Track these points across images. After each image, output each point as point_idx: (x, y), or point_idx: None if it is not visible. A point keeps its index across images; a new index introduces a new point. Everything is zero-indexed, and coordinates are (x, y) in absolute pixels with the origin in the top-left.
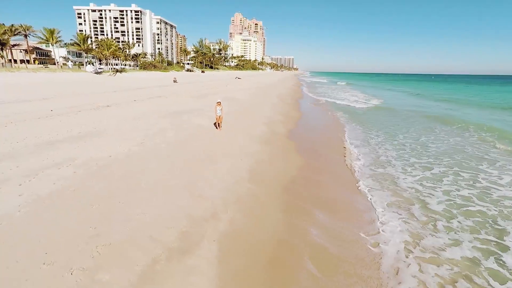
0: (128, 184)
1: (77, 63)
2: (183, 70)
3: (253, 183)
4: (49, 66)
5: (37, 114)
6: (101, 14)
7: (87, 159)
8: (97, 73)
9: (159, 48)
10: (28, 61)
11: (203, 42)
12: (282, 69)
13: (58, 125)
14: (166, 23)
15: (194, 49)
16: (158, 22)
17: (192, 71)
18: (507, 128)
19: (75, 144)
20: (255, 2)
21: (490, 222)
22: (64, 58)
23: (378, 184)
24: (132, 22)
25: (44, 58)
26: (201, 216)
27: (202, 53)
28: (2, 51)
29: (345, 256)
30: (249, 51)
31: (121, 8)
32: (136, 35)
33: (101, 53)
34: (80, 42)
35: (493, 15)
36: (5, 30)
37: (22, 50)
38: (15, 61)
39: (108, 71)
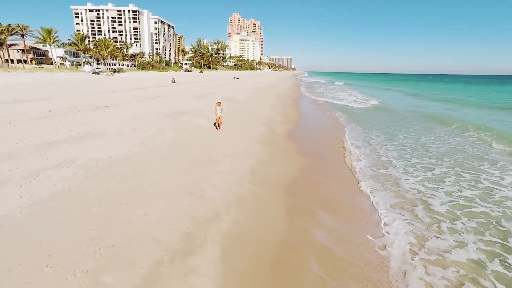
0: (129, 185)
1: (74, 63)
2: (181, 70)
3: (255, 183)
4: (43, 66)
5: (36, 114)
6: (98, 14)
7: (87, 160)
8: (95, 73)
9: (157, 48)
10: (25, 61)
11: (201, 42)
12: (280, 69)
13: (57, 126)
14: (164, 23)
15: (192, 49)
16: (156, 22)
17: (190, 71)
18: (506, 129)
19: (74, 145)
20: (253, 2)
21: (494, 223)
22: (62, 58)
23: (380, 185)
24: (129, 22)
25: (41, 58)
26: (203, 217)
27: (200, 53)
28: None
29: (352, 259)
30: (247, 51)
31: (119, 8)
32: (134, 35)
33: (99, 53)
34: (78, 42)
35: (490, 16)
36: (2, 29)
37: (19, 50)
38: (12, 61)
39: (106, 71)
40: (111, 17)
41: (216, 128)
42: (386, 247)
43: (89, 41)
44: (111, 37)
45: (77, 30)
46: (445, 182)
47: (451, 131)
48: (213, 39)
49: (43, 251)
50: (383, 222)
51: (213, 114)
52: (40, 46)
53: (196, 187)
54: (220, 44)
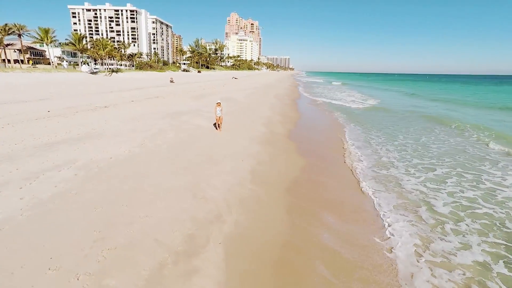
0: (131, 186)
1: (72, 63)
2: (179, 70)
3: (256, 184)
4: (37, 66)
5: (34, 115)
6: (96, 14)
7: (87, 161)
8: (92, 73)
9: (154, 48)
10: (22, 61)
11: (199, 42)
12: (278, 69)
13: (56, 126)
14: (161, 22)
15: (190, 49)
16: (153, 22)
17: (189, 71)
18: (505, 129)
19: (74, 146)
20: (251, 2)
21: (498, 224)
22: (59, 58)
23: (382, 186)
24: (127, 22)
25: (38, 58)
26: (205, 218)
27: (198, 53)
28: None
29: (360, 261)
30: (245, 51)
31: (116, 8)
32: (132, 35)
33: (97, 53)
34: (76, 42)
35: (488, 16)
36: None
37: (16, 50)
38: (9, 61)
39: (104, 71)
40: (109, 17)
41: (216, 128)
42: (393, 249)
43: (86, 41)
44: (109, 37)
45: (74, 30)
46: (447, 182)
47: (451, 131)
48: (211, 39)
49: (45, 254)
50: (387, 224)
51: (213, 115)
52: (37, 46)
53: (197, 188)
54: (218, 44)
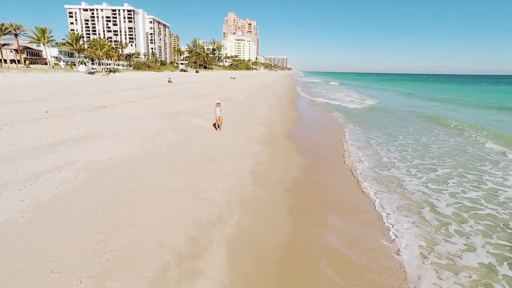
0: (132, 188)
1: (69, 63)
2: (177, 70)
3: (257, 185)
4: (31, 66)
5: (33, 115)
6: (93, 14)
7: (87, 162)
8: (90, 73)
9: (152, 48)
10: (18, 61)
11: (197, 42)
12: (276, 69)
13: (55, 127)
14: (159, 22)
15: (188, 49)
16: (151, 22)
17: (186, 71)
18: (505, 129)
19: (74, 147)
20: (249, 2)
21: (501, 225)
22: (56, 58)
23: (384, 187)
24: (124, 22)
25: (35, 58)
26: (207, 219)
27: (196, 53)
28: None
29: (367, 263)
30: (243, 51)
31: (114, 8)
32: (129, 34)
33: (94, 53)
34: (73, 42)
35: (485, 17)
36: None
37: (12, 50)
38: (5, 61)
39: (101, 71)
40: (106, 17)
41: (216, 128)
42: (399, 251)
43: (83, 41)
44: (106, 37)
45: (71, 30)
46: (448, 183)
47: (450, 132)
48: (208, 39)
49: (47, 256)
50: (390, 225)
51: (212, 115)
52: (34, 46)
53: (199, 189)
54: (216, 44)
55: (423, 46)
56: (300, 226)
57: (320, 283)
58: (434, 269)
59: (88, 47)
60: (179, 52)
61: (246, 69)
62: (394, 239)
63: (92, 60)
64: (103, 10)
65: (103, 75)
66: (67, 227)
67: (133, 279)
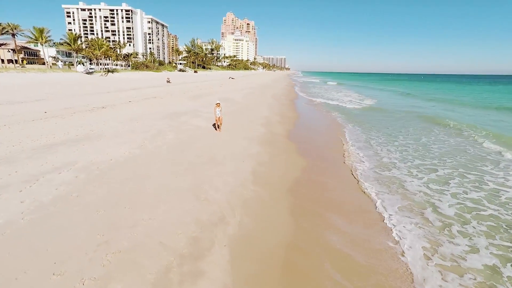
0: (132, 188)
1: (67, 63)
2: (176, 70)
3: (258, 185)
4: (27, 66)
5: (31, 116)
6: (90, 13)
7: (87, 163)
8: (88, 73)
9: (150, 48)
10: (16, 61)
11: (195, 41)
12: (274, 69)
13: (54, 128)
14: (157, 22)
15: (186, 49)
16: (149, 22)
17: (185, 71)
18: (504, 130)
19: (73, 147)
20: (247, 2)
21: (504, 226)
22: (54, 58)
23: (385, 187)
24: (122, 22)
25: (32, 58)
26: (209, 220)
27: (194, 53)
28: None
29: (372, 265)
30: (241, 51)
31: (112, 7)
32: (127, 34)
33: (92, 53)
34: (71, 42)
35: (482, 17)
36: None
37: (10, 50)
38: (2, 61)
39: (100, 71)
40: (104, 17)
41: (216, 129)
42: (403, 253)
43: (81, 40)
44: (104, 37)
45: (69, 30)
46: (450, 184)
47: (450, 132)
48: (207, 39)
49: (49, 258)
50: (393, 226)
51: (211, 115)
52: (32, 46)
53: (200, 190)
54: (214, 44)
55: (421, 46)
56: (302, 227)
57: (325, 285)
58: (439, 271)
59: (86, 47)
60: (178, 52)
61: (245, 69)
62: (398, 241)
63: (90, 60)
64: (101, 10)
65: (101, 75)
66: (68, 228)
67: (136, 281)
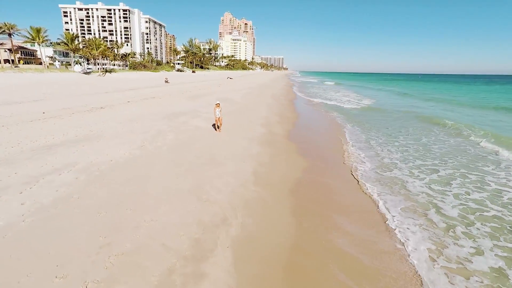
0: (134, 190)
1: (64, 63)
2: (174, 70)
3: (259, 186)
4: (19, 65)
5: (29, 116)
6: (88, 13)
7: (87, 164)
8: (85, 73)
9: (148, 48)
10: (13, 61)
11: (193, 41)
12: (272, 69)
13: (52, 128)
14: (155, 22)
15: (184, 49)
16: (146, 22)
17: (183, 71)
18: (503, 130)
19: (73, 148)
20: (245, 2)
21: (508, 228)
22: (51, 58)
23: (388, 188)
24: (120, 21)
25: (29, 57)
26: (211, 221)
27: (192, 53)
28: None
29: (378, 267)
30: (239, 51)
31: (109, 7)
32: (125, 34)
33: (90, 53)
34: (68, 42)
35: (481, 17)
36: None
37: (6, 50)
38: None
39: (97, 71)
40: (101, 16)
41: (215, 129)
42: (409, 255)
43: (78, 40)
44: (101, 37)
45: (66, 29)
46: (452, 184)
47: (450, 132)
48: (205, 39)
49: (51, 261)
50: (397, 227)
51: (211, 115)
52: (28, 46)
53: (201, 191)
54: (212, 44)
55: (418, 47)
56: (304, 228)
57: (331, 287)
58: (445, 273)
59: (84, 46)
60: (175, 52)
61: (243, 69)
62: (404, 242)
63: (88, 60)
64: (98, 9)
65: (99, 75)
66: (70, 230)
67: (139, 283)
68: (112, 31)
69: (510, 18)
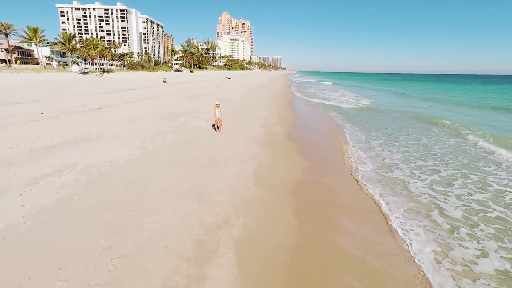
0: (134, 191)
1: (61, 63)
2: (172, 70)
3: (260, 186)
4: (13, 65)
5: (28, 117)
6: (85, 13)
7: (87, 165)
8: (83, 73)
9: (145, 48)
10: (9, 61)
11: (191, 41)
12: (270, 68)
13: (51, 129)
14: (152, 22)
15: (182, 49)
16: (144, 21)
17: (181, 71)
18: (503, 130)
19: (72, 149)
20: (243, 2)
21: None
22: (48, 57)
23: (389, 189)
24: (117, 21)
25: (26, 57)
26: (213, 222)
27: (190, 52)
28: None
29: (386, 269)
30: (237, 50)
31: (106, 7)
32: (122, 34)
33: (87, 53)
34: (66, 42)
35: (479, 17)
36: None
37: (3, 50)
38: None
39: (95, 71)
40: (98, 16)
41: (215, 129)
42: (416, 257)
43: (76, 40)
44: (99, 37)
45: (63, 29)
46: (454, 185)
47: (449, 132)
48: (202, 38)
49: (53, 264)
50: (400, 229)
51: (210, 115)
52: (25, 46)
53: (202, 192)
54: (210, 44)
55: (416, 46)
56: (307, 229)
57: None
58: (451, 276)
59: (81, 46)
60: (173, 52)
61: (241, 69)
62: (408, 244)
63: (85, 60)
64: (95, 9)
65: (96, 75)
66: (71, 232)
67: (143, 286)
68: (110, 31)
69: (507, 18)
